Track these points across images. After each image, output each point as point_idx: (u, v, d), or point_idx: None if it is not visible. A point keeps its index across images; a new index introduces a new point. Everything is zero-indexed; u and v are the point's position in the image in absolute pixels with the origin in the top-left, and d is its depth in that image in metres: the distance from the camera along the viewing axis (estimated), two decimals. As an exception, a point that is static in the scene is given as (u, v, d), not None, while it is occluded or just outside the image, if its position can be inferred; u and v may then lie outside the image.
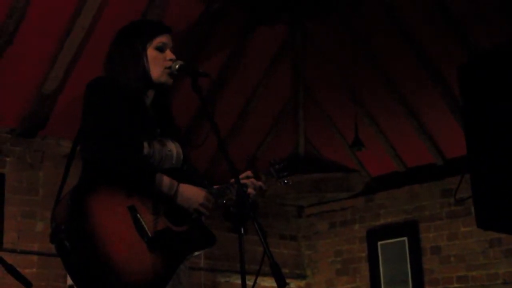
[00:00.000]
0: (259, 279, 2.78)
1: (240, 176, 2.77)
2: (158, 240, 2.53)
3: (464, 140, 4.58)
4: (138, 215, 2.52)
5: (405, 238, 7.03)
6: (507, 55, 4.41)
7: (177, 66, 2.73)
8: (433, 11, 5.83)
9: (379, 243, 7.21)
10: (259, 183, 2.83)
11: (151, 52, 2.74)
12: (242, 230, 2.52)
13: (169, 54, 2.76)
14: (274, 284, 2.33)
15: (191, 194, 2.64)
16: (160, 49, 2.76)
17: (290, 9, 6.30)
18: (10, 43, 5.20)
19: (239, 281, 2.50)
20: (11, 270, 2.54)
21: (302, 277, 7.76)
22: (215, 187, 2.79)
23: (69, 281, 2.62)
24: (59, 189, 2.64)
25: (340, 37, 6.41)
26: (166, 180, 2.60)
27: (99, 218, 2.46)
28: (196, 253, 2.69)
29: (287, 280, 2.36)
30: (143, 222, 2.52)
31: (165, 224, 2.59)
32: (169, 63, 2.74)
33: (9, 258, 2.75)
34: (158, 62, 2.74)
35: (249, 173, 2.84)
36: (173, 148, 2.78)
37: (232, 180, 2.79)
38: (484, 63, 4.58)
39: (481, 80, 4.50)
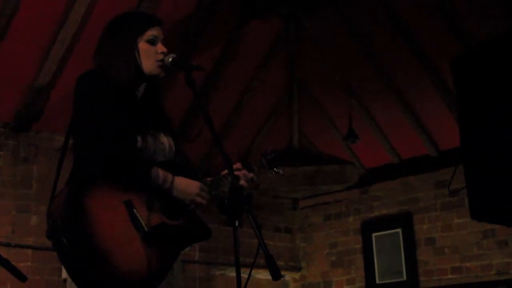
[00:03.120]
0: (254, 272, 2.79)
1: (226, 172, 2.76)
2: (154, 235, 2.53)
3: (458, 132, 4.59)
4: (134, 209, 2.52)
5: (399, 230, 7.05)
6: (501, 47, 4.42)
7: (170, 60, 2.71)
8: (428, 4, 5.83)
9: (374, 235, 7.23)
10: (251, 175, 2.82)
11: (142, 45, 2.72)
12: (237, 223, 2.52)
13: (160, 47, 2.74)
14: (269, 277, 2.33)
15: (186, 185, 2.64)
16: (152, 42, 2.74)
17: (285, 2, 6.28)
18: (3, 37, 5.19)
19: (234, 274, 2.51)
20: (6, 264, 2.53)
21: (297, 269, 7.77)
22: (207, 179, 2.79)
23: (64, 275, 2.62)
24: (53, 184, 2.63)
25: (334, 30, 6.40)
26: (161, 173, 2.60)
27: (95, 213, 2.45)
28: (190, 246, 2.70)
29: (282, 272, 2.37)
30: (139, 217, 2.52)
31: (160, 219, 2.59)
32: (160, 56, 2.72)
33: (3, 252, 2.75)
34: (150, 55, 2.72)
35: (238, 165, 2.83)
36: (165, 141, 2.77)
37: (225, 172, 2.79)
38: (478, 55, 4.58)
39: (475, 72, 4.51)
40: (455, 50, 5.62)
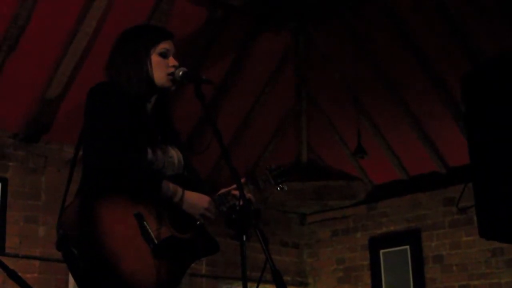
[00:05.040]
0: (261, 287, 2.78)
1: (233, 187, 2.76)
2: (164, 247, 2.53)
3: (467, 149, 4.58)
4: (144, 222, 2.53)
5: (407, 247, 7.01)
6: (509, 64, 4.41)
7: (180, 73, 2.73)
8: (437, 20, 5.84)
9: (381, 251, 7.20)
10: (249, 195, 2.81)
11: (154, 57, 2.74)
12: (244, 237, 2.52)
13: (172, 61, 2.77)
14: (276, 292, 2.32)
15: (196, 200, 2.65)
16: (164, 55, 2.76)
17: (294, 16, 6.31)
18: (14, 48, 5.22)
19: (240, 288, 2.50)
20: (13, 275, 2.53)
21: (304, 284, 7.74)
22: (215, 194, 2.79)
23: (71, 286, 2.63)
24: (63, 196, 2.64)
25: (343, 45, 6.42)
26: (171, 187, 2.60)
27: (106, 225, 2.46)
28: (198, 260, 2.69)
29: (289, 288, 2.35)
30: (149, 229, 2.53)
31: (170, 232, 2.60)
32: (171, 69, 2.74)
33: (11, 263, 2.75)
34: (161, 68, 2.74)
35: (243, 180, 2.82)
36: (174, 154, 2.78)
37: (229, 189, 2.79)
38: (487, 71, 4.57)
39: (484, 89, 4.50)
40: (465, 67, 5.62)
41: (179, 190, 2.62)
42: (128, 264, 2.44)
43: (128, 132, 2.59)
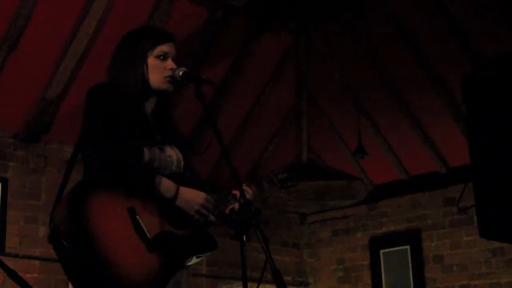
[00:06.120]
0: (261, 287, 2.78)
1: (235, 192, 2.76)
2: (157, 242, 2.53)
3: (467, 149, 4.57)
4: (137, 216, 2.52)
5: (408, 247, 7.01)
6: (510, 63, 4.40)
7: (180, 73, 2.74)
8: (437, 20, 5.84)
9: (382, 251, 7.20)
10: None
11: (151, 60, 2.75)
12: (244, 237, 2.51)
13: (170, 64, 2.77)
14: (276, 292, 2.32)
15: (191, 196, 2.64)
16: (161, 57, 2.76)
17: (294, 16, 6.31)
18: (15, 48, 5.22)
19: (240, 288, 2.50)
20: (13, 275, 2.53)
21: (304, 284, 7.74)
22: (215, 194, 2.78)
23: (71, 287, 2.63)
24: (58, 192, 2.65)
25: (343, 45, 6.42)
26: (165, 182, 2.60)
27: (98, 218, 2.46)
28: (197, 258, 2.68)
29: (289, 288, 2.36)
30: (142, 224, 2.52)
31: (165, 227, 2.59)
32: (169, 72, 2.75)
33: (11, 263, 2.75)
34: (158, 71, 2.75)
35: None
36: (173, 154, 2.78)
37: (229, 191, 2.79)
38: (488, 71, 4.57)
39: (484, 89, 4.50)
40: (464, 64, 5.62)
41: (174, 185, 2.61)
42: (119, 258, 2.43)
43: (124, 131, 2.60)
